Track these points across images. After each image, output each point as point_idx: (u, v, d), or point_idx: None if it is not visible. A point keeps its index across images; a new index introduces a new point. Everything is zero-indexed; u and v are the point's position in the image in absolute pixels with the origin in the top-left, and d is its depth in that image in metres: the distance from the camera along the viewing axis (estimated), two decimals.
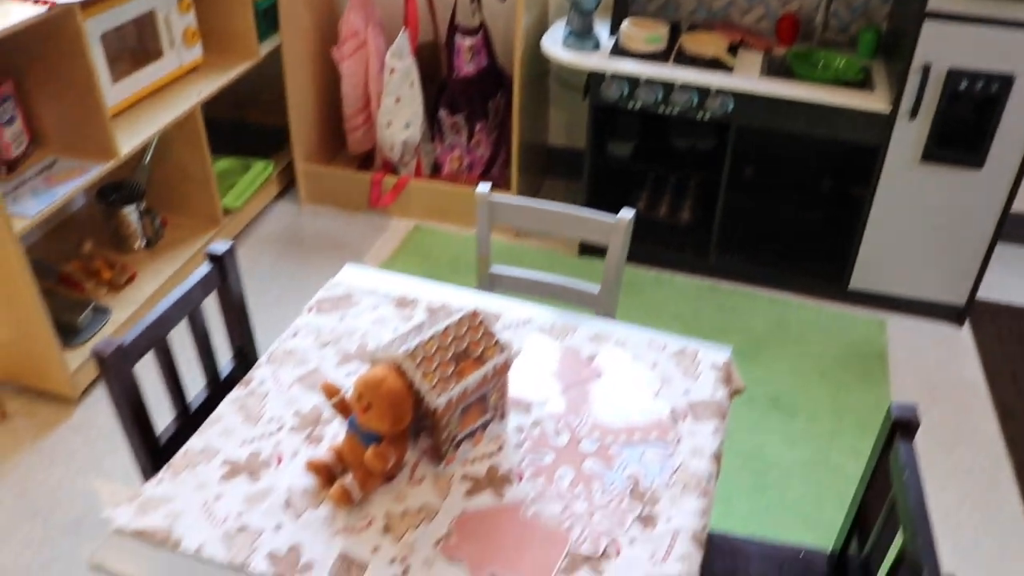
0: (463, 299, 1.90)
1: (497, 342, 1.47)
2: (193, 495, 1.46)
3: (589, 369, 1.69)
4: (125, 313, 2.89)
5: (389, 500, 1.44)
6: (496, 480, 1.46)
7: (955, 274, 2.95)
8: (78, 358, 2.66)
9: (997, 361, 2.91)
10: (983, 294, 3.20)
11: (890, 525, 1.40)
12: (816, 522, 2.27)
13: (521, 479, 1.46)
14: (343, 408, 1.46)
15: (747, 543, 1.66)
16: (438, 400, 1.38)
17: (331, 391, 1.46)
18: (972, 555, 2.23)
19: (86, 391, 2.71)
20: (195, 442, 1.56)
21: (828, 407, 2.65)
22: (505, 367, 1.48)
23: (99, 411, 2.65)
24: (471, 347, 1.45)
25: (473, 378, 1.42)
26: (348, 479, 1.42)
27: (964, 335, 3.01)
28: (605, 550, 1.34)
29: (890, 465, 1.39)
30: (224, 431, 1.58)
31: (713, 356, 1.72)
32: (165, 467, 1.51)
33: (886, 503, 1.41)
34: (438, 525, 1.39)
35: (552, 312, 1.86)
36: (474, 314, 1.49)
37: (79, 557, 2.25)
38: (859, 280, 3.06)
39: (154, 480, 1.49)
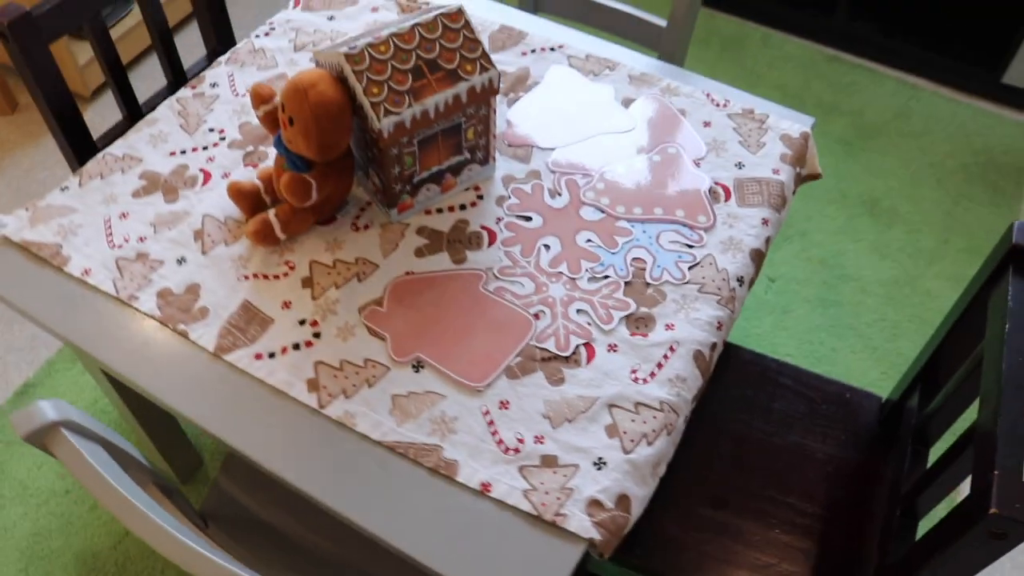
0: (489, 11, 1.48)
1: (483, 55, 1.08)
2: (97, 210, 1.18)
3: (618, 117, 1.28)
4: None
5: (319, 247, 1.13)
6: (459, 240, 1.13)
7: None
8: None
9: None
10: None
11: (969, 385, 1.02)
12: (885, 354, 1.89)
13: (492, 243, 1.12)
14: (272, 121, 1.12)
15: (781, 368, 1.31)
16: (382, 121, 1.01)
17: (262, 95, 1.11)
18: None
19: None
20: (117, 146, 1.26)
21: (936, 221, 2.18)
22: (489, 91, 1.09)
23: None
24: (443, 57, 1.06)
25: (438, 99, 1.05)
26: (272, 212, 1.11)
27: None
28: (575, 351, 1.01)
29: (989, 305, 0.98)
30: (154, 137, 1.27)
31: (787, 125, 1.28)
32: (76, 173, 1.23)
33: (972, 355, 1.01)
34: (371, 286, 1.08)
35: (593, 42, 1.43)
36: (456, 14, 1.08)
37: None
38: (1018, 74, 2.45)
39: (59, 188, 1.21)
